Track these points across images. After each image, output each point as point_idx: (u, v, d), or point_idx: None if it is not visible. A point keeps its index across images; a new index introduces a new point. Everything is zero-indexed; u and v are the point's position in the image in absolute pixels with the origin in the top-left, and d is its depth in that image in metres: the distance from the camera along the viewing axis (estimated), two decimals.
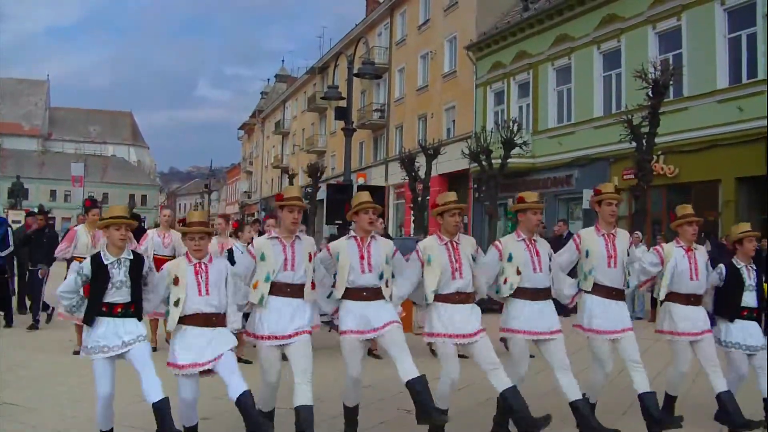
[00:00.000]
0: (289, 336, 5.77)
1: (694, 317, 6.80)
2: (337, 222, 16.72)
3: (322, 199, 24.72)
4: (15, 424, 6.55)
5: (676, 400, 7.05)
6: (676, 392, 7.02)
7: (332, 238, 12.96)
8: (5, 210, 34.15)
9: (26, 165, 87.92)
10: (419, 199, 27.76)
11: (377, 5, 46.77)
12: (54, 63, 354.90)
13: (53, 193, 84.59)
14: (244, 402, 5.42)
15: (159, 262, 8.60)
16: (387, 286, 6.10)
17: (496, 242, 6.54)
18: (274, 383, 5.93)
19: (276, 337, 5.77)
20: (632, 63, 22.10)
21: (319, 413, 5.93)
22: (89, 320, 5.55)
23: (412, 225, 26.73)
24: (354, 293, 6.00)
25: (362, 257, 6.01)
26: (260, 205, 70.89)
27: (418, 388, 5.69)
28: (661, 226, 21.31)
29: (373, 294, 6.01)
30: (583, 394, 6.40)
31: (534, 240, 6.44)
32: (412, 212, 29.12)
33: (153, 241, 10.84)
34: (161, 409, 5.37)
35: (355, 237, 6.13)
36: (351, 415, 6.23)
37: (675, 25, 22.42)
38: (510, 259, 6.33)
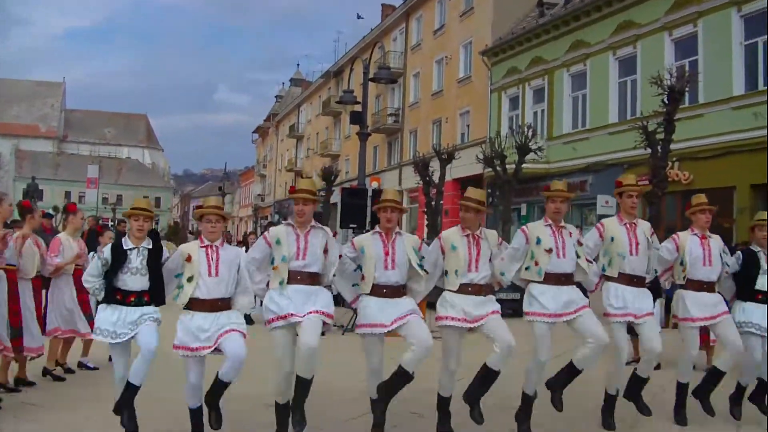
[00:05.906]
0: (303, 315, 5.81)
1: (709, 303, 6.95)
2: (351, 225, 16.71)
3: (336, 203, 24.74)
4: (33, 423, 6.64)
5: (688, 387, 7.12)
6: (687, 378, 7.09)
7: None
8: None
9: (42, 166, 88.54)
10: (433, 203, 27.74)
11: (393, 10, 46.87)
12: (74, 66, 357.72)
13: (68, 195, 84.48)
14: (220, 384, 5.70)
15: None
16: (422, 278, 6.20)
17: (524, 227, 6.62)
18: (289, 371, 5.94)
19: (292, 315, 5.79)
20: (648, 69, 22.04)
21: (350, 412, 5.94)
22: (105, 299, 5.82)
23: (426, 230, 26.69)
24: (375, 289, 6.09)
25: (386, 253, 6.12)
26: (274, 208, 70.97)
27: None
28: (676, 233, 21.19)
29: (392, 292, 6.10)
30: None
31: (562, 227, 6.55)
32: (425, 217, 29.10)
33: None
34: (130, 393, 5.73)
35: (380, 233, 6.24)
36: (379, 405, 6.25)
37: (691, 31, 22.37)
38: (538, 242, 6.41)
